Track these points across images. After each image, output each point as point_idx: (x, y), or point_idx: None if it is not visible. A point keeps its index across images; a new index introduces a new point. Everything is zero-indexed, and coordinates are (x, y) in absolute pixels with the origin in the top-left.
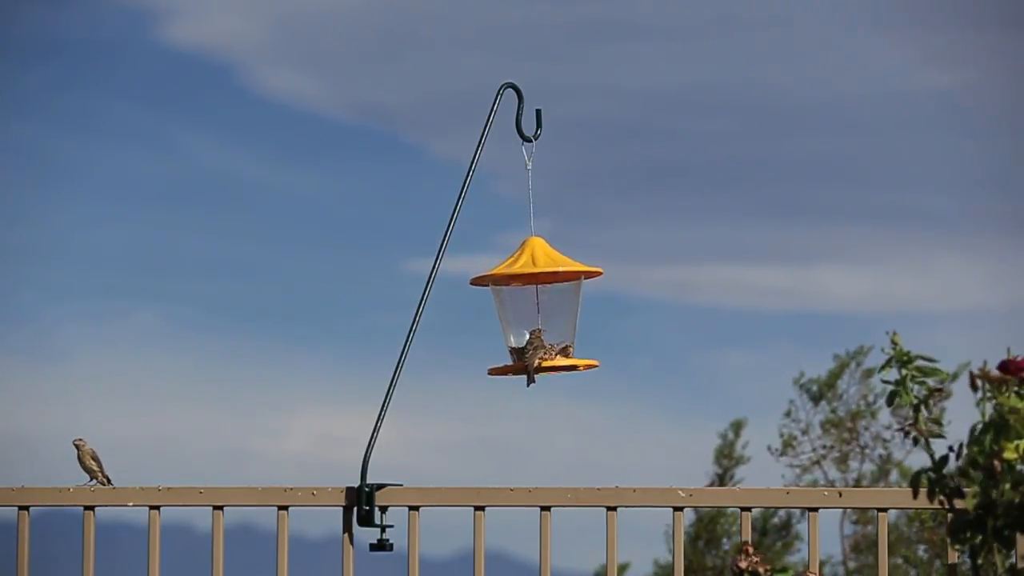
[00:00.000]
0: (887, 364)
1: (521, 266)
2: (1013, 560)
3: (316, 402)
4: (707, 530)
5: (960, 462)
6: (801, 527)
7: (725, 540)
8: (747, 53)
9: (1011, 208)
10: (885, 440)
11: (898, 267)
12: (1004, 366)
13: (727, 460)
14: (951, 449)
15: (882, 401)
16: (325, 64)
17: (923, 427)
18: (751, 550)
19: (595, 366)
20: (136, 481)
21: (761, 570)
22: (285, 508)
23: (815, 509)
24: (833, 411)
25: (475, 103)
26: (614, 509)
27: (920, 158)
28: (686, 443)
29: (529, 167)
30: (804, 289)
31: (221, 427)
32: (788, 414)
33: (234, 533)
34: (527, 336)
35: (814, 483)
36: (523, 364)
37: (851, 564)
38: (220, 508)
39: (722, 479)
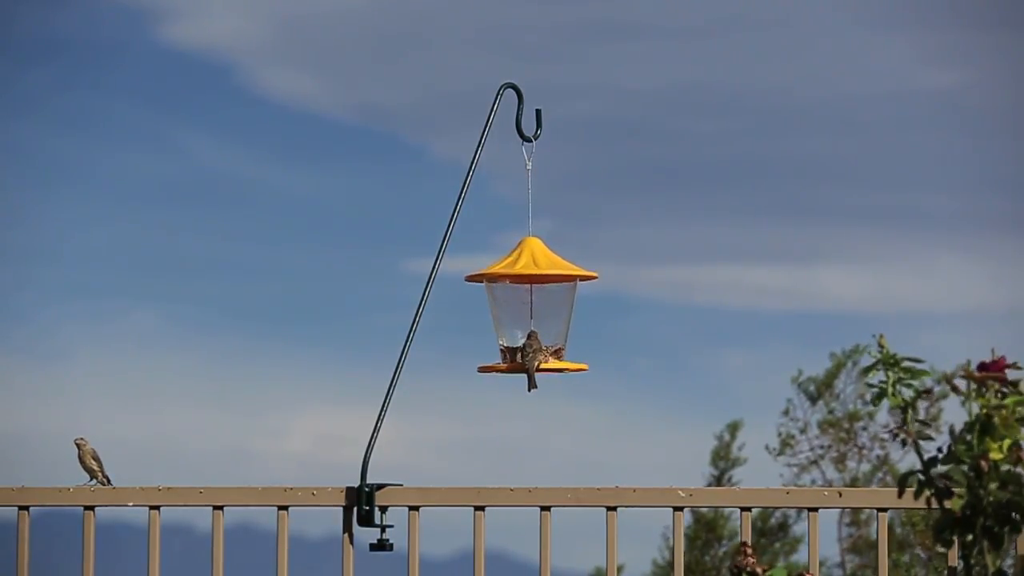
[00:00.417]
0: (873, 366)
1: (522, 267)
2: (1009, 560)
3: (316, 402)
4: (705, 532)
5: (944, 466)
6: (798, 528)
7: (725, 542)
8: (747, 53)
9: (1011, 208)
10: (883, 440)
11: (898, 267)
12: (983, 366)
13: (723, 462)
14: (939, 450)
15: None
16: (325, 64)
17: (911, 429)
18: (750, 550)
19: (583, 370)
20: (136, 481)
21: (759, 570)
22: (285, 508)
23: (815, 509)
24: (831, 411)
25: (475, 103)
26: (614, 509)
27: (920, 158)
28: (686, 443)
29: (529, 167)
30: (804, 289)
31: (221, 427)
32: (786, 413)
33: (234, 533)
34: (521, 337)
35: (812, 483)
36: (516, 364)
37: (848, 566)
38: (220, 508)
39: (719, 481)
